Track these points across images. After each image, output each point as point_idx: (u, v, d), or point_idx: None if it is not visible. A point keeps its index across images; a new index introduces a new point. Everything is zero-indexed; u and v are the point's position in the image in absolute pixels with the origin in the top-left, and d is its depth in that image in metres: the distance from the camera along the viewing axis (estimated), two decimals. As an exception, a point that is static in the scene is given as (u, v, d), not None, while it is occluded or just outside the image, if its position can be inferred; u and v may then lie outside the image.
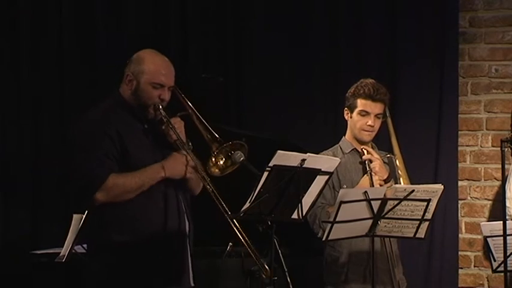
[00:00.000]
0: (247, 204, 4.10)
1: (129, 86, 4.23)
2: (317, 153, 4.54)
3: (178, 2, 6.23)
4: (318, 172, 4.25)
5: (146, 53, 4.28)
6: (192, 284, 4.30)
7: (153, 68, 4.21)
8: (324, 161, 4.33)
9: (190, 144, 4.26)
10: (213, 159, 4.21)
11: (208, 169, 4.21)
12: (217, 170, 4.24)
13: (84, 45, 6.18)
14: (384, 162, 4.90)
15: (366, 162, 4.84)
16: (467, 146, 6.05)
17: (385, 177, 4.80)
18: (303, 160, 4.17)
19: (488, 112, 6.03)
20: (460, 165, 6.01)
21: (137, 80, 4.21)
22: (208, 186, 4.17)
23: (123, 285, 4.14)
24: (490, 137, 6.02)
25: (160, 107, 4.21)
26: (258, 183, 4.08)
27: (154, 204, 4.20)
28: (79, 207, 4.19)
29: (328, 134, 5.72)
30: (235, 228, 4.14)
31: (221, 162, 4.24)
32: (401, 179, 4.87)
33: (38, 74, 6.20)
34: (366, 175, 4.81)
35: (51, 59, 6.21)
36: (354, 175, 4.87)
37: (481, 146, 6.04)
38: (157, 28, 6.24)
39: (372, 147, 4.94)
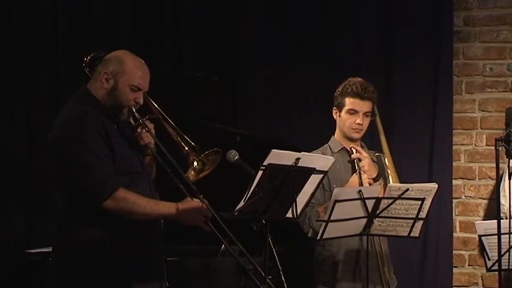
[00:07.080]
0: (241, 203, 4.10)
1: (105, 85, 4.11)
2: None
3: (173, 0, 6.23)
4: (312, 171, 4.25)
5: (125, 54, 4.19)
6: (167, 284, 4.23)
7: (134, 71, 4.13)
8: (319, 160, 4.33)
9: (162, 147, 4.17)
10: (192, 164, 4.20)
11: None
12: (193, 173, 4.22)
13: (78, 44, 6.17)
14: (373, 161, 4.90)
15: (355, 161, 4.84)
16: (461, 145, 6.05)
17: (374, 175, 4.80)
18: (298, 159, 4.17)
19: (483, 111, 6.04)
20: (454, 164, 6.02)
21: (116, 80, 4.10)
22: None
23: (102, 283, 4.02)
24: (484, 136, 6.02)
25: (134, 110, 4.14)
26: (253, 182, 4.08)
27: None
28: (81, 211, 3.99)
29: (323, 133, 5.70)
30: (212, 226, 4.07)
31: (196, 165, 4.23)
32: (390, 177, 4.86)
33: (33, 73, 6.19)
34: (355, 174, 4.81)
35: (46, 57, 6.20)
36: (343, 174, 4.86)
37: (475, 145, 6.05)
38: (152, 27, 6.23)
39: (361, 147, 4.95)
